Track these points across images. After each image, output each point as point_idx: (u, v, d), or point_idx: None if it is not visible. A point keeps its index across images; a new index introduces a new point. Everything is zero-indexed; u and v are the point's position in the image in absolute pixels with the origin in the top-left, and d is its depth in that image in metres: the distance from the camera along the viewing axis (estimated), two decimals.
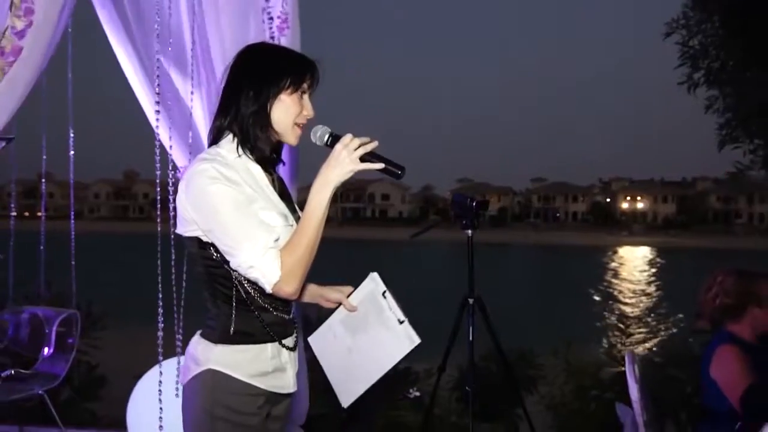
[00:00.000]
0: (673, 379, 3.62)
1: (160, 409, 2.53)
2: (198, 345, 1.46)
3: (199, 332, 1.49)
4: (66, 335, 3.29)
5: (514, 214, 75.34)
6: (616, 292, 23.15)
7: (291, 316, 1.52)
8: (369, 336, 1.48)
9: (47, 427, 3.25)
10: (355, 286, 1.53)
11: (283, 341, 1.48)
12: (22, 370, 3.16)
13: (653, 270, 33.29)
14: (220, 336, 1.43)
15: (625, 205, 73.28)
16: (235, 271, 1.38)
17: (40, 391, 3.06)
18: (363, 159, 1.34)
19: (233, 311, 1.42)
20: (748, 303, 2.18)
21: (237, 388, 1.40)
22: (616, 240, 55.81)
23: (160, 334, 2.55)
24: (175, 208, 1.51)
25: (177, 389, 2.55)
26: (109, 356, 4.63)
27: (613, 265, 35.98)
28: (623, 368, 2.37)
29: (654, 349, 4.33)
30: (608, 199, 75.25)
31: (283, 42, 2.51)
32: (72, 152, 3.08)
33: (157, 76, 2.50)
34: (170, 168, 2.56)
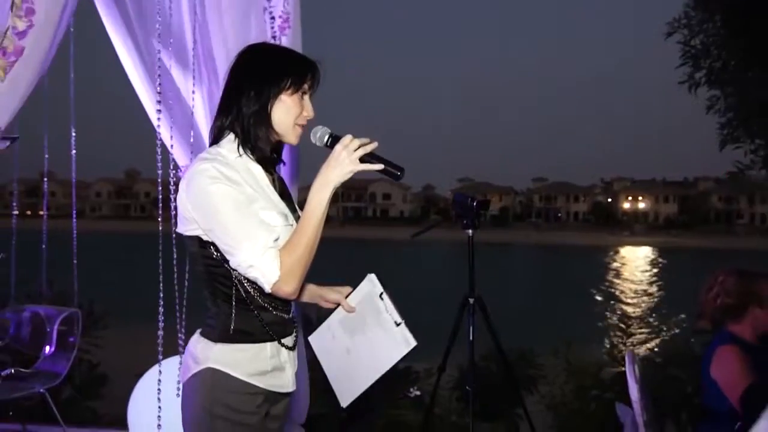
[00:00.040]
0: (674, 379, 3.62)
1: (159, 408, 2.53)
2: (198, 343, 1.46)
3: (198, 331, 1.49)
4: (67, 334, 3.30)
5: (516, 213, 75.29)
6: (617, 292, 23.13)
7: (290, 315, 1.52)
8: (367, 337, 1.49)
9: (49, 426, 3.26)
10: (355, 286, 1.53)
11: (283, 340, 1.48)
12: (22, 369, 3.17)
13: (655, 270, 33.26)
14: (219, 335, 1.43)
15: (626, 205, 73.19)
16: (235, 270, 1.38)
17: (41, 390, 3.07)
18: (363, 160, 1.35)
19: (233, 310, 1.42)
20: (749, 303, 2.18)
21: (236, 386, 1.41)
22: (617, 240, 55.75)
23: (161, 333, 2.55)
24: (176, 207, 1.52)
25: (178, 388, 2.55)
26: (110, 355, 4.65)
27: (615, 265, 35.95)
28: (624, 368, 2.37)
29: (656, 349, 4.32)
30: (610, 199, 75.17)
31: (285, 41, 2.51)
32: (74, 151, 3.08)
33: (159, 75, 2.50)
34: (171, 167, 2.57)
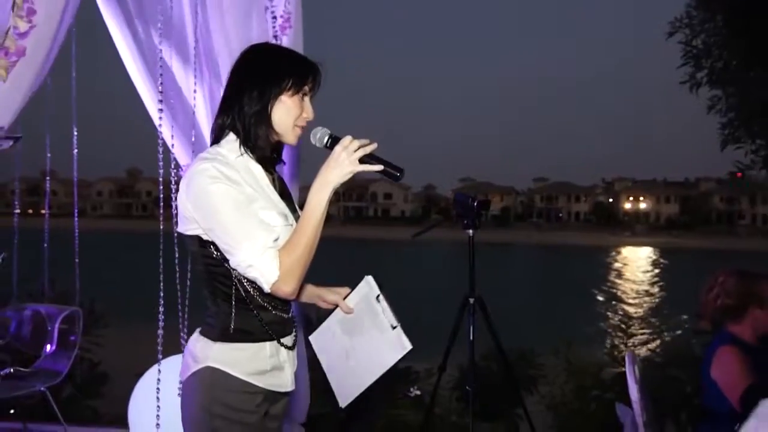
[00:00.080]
0: (674, 379, 3.62)
1: (158, 407, 2.54)
2: (197, 342, 1.47)
3: (198, 330, 1.50)
4: (68, 332, 3.31)
5: (517, 213, 75.25)
6: (619, 293, 23.11)
7: (290, 315, 1.53)
8: (364, 339, 1.49)
9: (50, 424, 3.27)
10: (354, 286, 1.54)
11: (282, 340, 1.49)
12: (22, 368, 3.18)
13: (656, 270, 33.23)
14: (219, 334, 1.44)
15: (627, 206, 73.11)
16: (235, 269, 1.39)
17: (42, 388, 3.07)
18: (362, 161, 1.35)
19: (232, 309, 1.43)
20: (750, 304, 2.18)
21: (235, 385, 1.41)
22: (618, 240, 55.71)
23: (161, 332, 2.55)
24: (177, 207, 1.52)
25: (179, 387, 2.55)
26: (111, 354, 4.65)
27: (616, 265, 35.93)
28: (624, 368, 2.37)
29: (658, 350, 4.32)
30: (611, 200, 75.09)
31: (286, 41, 2.52)
32: (75, 150, 3.09)
33: (161, 74, 2.50)
34: (173, 166, 2.57)
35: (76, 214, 3.28)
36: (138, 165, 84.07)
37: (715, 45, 4.30)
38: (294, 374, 1.54)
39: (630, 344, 4.25)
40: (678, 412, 3.52)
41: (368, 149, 1.36)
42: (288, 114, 1.44)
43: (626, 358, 2.31)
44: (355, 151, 1.34)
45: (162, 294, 2.52)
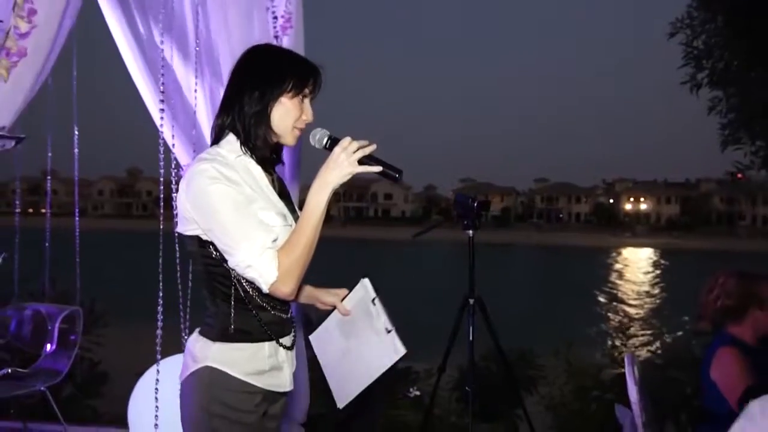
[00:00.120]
0: (674, 380, 3.61)
1: (156, 407, 2.54)
2: (196, 342, 1.47)
3: (197, 330, 1.50)
4: (68, 332, 3.31)
5: (517, 214, 75.22)
6: (619, 294, 23.10)
7: (289, 315, 1.53)
8: (360, 341, 1.50)
9: (49, 424, 3.27)
10: (352, 287, 1.54)
11: (281, 340, 1.49)
12: (19, 369, 3.17)
13: (657, 271, 33.21)
14: (218, 334, 1.44)
15: (628, 206, 73.08)
16: (234, 270, 1.39)
17: (42, 388, 3.07)
18: (361, 162, 1.35)
19: (231, 309, 1.43)
20: (750, 305, 2.18)
21: (234, 385, 1.42)
22: (619, 241, 55.68)
23: (159, 332, 2.55)
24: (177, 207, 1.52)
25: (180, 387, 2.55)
26: (111, 353, 4.65)
27: (617, 266, 35.91)
28: (624, 369, 2.37)
29: (658, 351, 4.32)
30: (611, 200, 75.06)
31: (286, 41, 2.52)
32: (76, 150, 3.09)
33: (162, 74, 2.50)
34: (173, 166, 2.57)
35: (77, 214, 3.28)
36: (138, 164, 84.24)
37: (716, 46, 4.29)
38: (293, 374, 1.54)
39: (630, 345, 4.25)
40: (678, 413, 3.51)
41: (367, 150, 1.36)
42: (288, 115, 1.44)
43: (626, 359, 2.31)
44: (354, 152, 1.34)
45: (161, 294, 2.52)
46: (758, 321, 2.18)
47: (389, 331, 1.44)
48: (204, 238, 1.41)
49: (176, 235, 1.51)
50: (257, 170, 1.46)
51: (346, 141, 1.36)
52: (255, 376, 1.44)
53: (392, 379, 3.66)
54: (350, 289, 1.54)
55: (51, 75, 2.53)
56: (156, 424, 2.52)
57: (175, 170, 2.57)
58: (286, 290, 1.35)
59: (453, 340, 2.55)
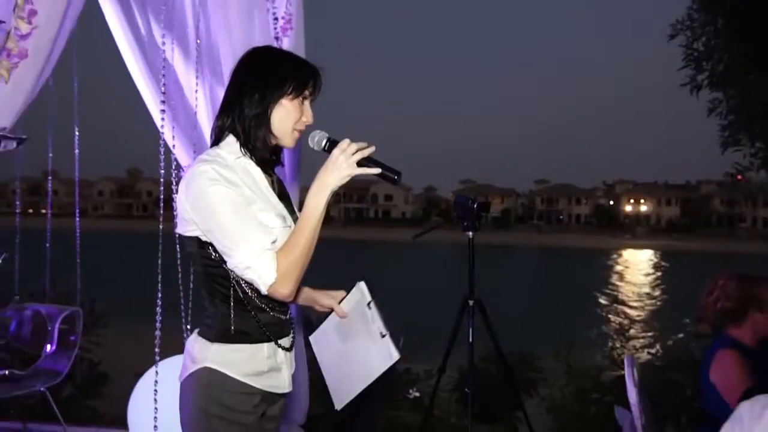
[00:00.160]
0: (674, 382, 3.61)
1: (155, 408, 2.54)
2: (195, 343, 1.47)
3: (196, 330, 1.51)
4: (68, 332, 3.31)
5: (518, 215, 75.22)
6: (620, 295, 23.09)
7: (288, 316, 1.53)
8: (357, 344, 1.50)
9: (49, 424, 3.27)
10: (350, 290, 1.54)
11: (280, 341, 1.49)
12: (17, 371, 3.17)
13: (657, 273, 33.20)
14: (216, 335, 1.44)
15: (628, 208, 73.07)
16: (233, 271, 1.39)
17: (42, 388, 3.07)
18: (360, 164, 1.36)
19: (230, 311, 1.43)
20: (750, 307, 2.18)
21: (232, 386, 1.42)
22: (619, 243, 55.68)
23: (158, 333, 2.56)
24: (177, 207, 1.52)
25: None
26: (111, 354, 4.65)
27: (617, 268, 35.90)
28: (624, 371, 2.37)
29: (659, 353, 4.31)
30: (612, 202, 75.06)
31: (287, 42, 2.52)
32: (77, 150, 3.09)
33: (163, 75, 2.51)
34: (174, 167, 2.58)
35: (77, 214, 3.28)
36: (139, 165, 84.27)
37: (716, 48, 4.29)
38: (291, 376, 1.54)
39: (630, 347, 4.25)
40: (678, 416, 3.51)
41: (366, 152, 1.36)
42: (288, 117, 1.45)
43: (625, 361, 2.31)
44: (353, 154, 1.35)
45: (160, 295, 2.52)
46: (758, 323, 2.18)
47: (383, 336, 1.44)
48: (203, 239, 1.41)
49: (176, 235, 1.51)
50: (257, 172, 1.46)
51: (344, 143, 1.36)
52: (253, 377, 1.44)
53: (392, 380, 3.66)
54: (348, 292, 1.54)
55: (52, 76, 2.53)
56: (155, 425, 2.52)
57: (176, 171, 2.57)
58: (284, 291, 1.36)
59: (453, 342, 2.55)
